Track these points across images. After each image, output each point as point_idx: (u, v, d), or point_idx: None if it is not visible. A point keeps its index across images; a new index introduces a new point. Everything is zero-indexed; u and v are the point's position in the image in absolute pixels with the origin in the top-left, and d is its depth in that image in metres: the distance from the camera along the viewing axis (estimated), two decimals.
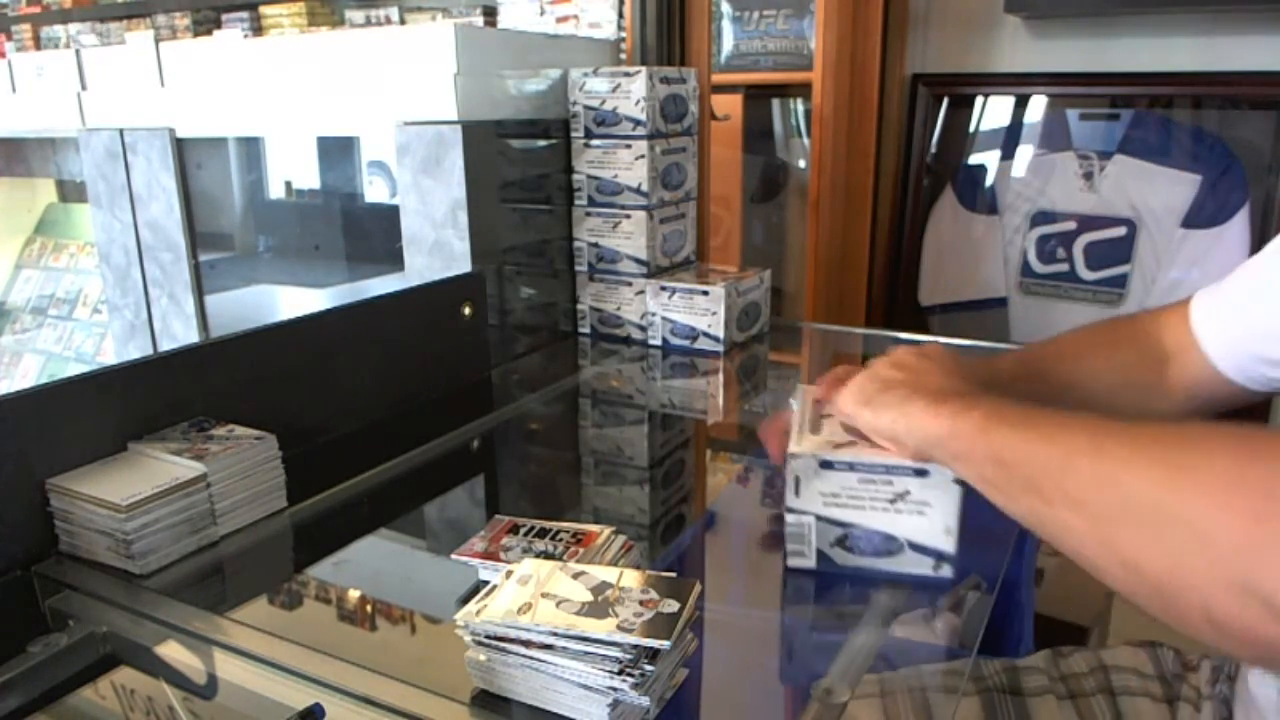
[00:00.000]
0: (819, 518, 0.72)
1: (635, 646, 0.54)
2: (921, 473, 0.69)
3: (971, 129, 2.15)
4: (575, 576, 0.61)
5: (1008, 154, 2.11)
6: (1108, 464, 0.51)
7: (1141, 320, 0.86)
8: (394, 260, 1.37)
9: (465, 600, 0.59)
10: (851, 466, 0.71)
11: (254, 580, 0.81)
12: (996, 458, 0.59)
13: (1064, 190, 2.03)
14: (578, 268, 1.46)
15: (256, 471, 0.84)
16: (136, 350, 1.81)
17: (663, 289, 1.38)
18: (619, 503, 0.97)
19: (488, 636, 0.57)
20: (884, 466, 0.70)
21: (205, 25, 3.14)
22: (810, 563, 0.74)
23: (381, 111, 1.32)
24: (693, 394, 1.32)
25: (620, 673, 0.53)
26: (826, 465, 0.71)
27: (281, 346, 0.99)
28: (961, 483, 0.69)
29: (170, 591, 0.74)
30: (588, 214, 1.42)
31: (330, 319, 1.06)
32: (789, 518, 0.73)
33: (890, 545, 0.72)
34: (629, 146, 1.35)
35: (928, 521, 0.70)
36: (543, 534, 0.74)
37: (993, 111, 2.13)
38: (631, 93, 1.33)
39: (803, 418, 0.79)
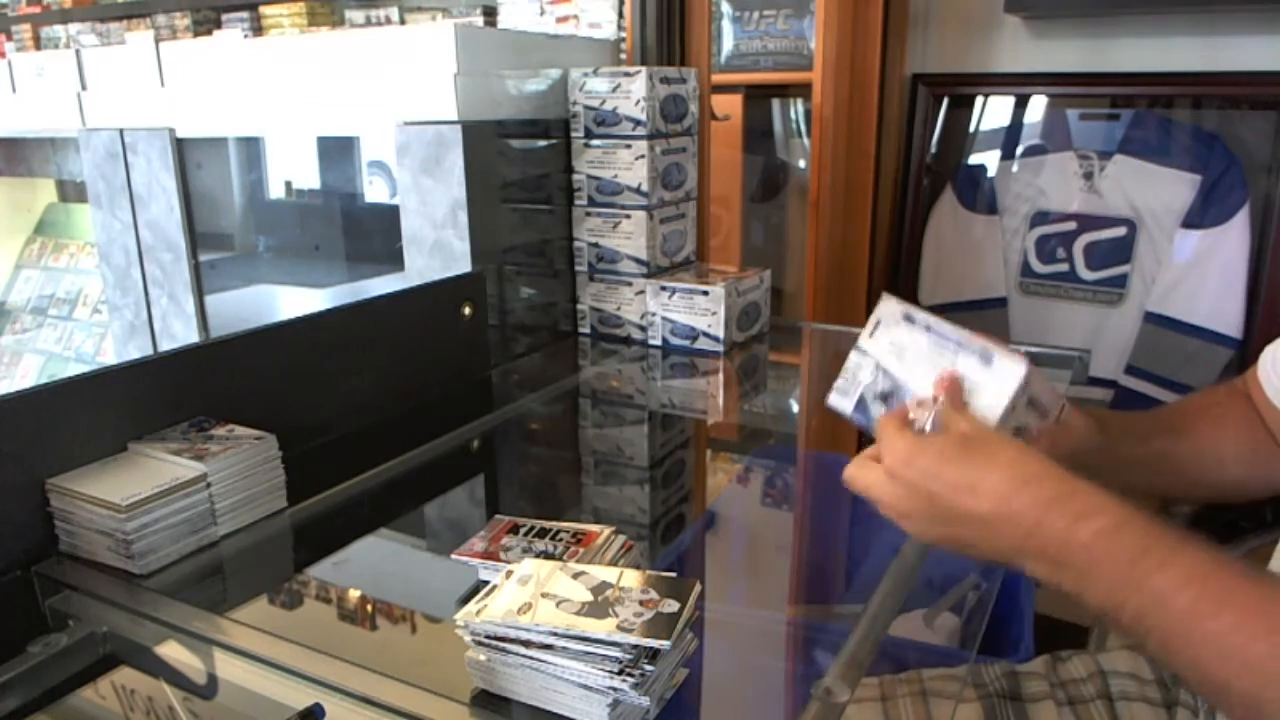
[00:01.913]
0: (879, 366, 0.71)
1: (635, 646, 0.54)
2: (987, 358, 0.67)
3: (971, 129, 2.15)
4: (575, 576, 0.61)
5: (1008, 154, 2.11)
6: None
7: (1236, 385, 0.84)
8: (394, 260, 1.37)
9: (465, 600, 0.59)
10: (929, 328, 0.69)
11: (254, 580, 0.81)
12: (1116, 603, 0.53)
13: (1064, 190, 2.03)
14: (578, 268, 1.46)
15: (256, 471, 0.84)
16: (136, 350, 1.81)
17: (663, 289, 1.38)
18: (619, 503, 0.97)
19: (488, 636, 0.57)
20: (956, 341, 0.67)
21: (205, 25, 3.14)
22: (849, 405, 0.71)
23: (381, 111, 1.32)
24: (693, 394, 1.32)
25: (620, 673, 0.53)
26: (909, 319, 0.70)
27: (281, 346, 0.99)
28: (1025, 386, 0.65)
29: (170, 591, 0.74)
30: (588, 214, 1.42)
31: (330, 319, 1.06)
32: (853, 355, 0.72)
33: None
34: (629, 146, 1.35)
35: (973, 403, 0.67)
36: (543, 534, 0.74)
37: (993, 111, 2.13)
38: (631, 93, 1.33)
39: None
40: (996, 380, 0.66)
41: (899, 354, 0.70)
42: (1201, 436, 0.82)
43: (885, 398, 0.70)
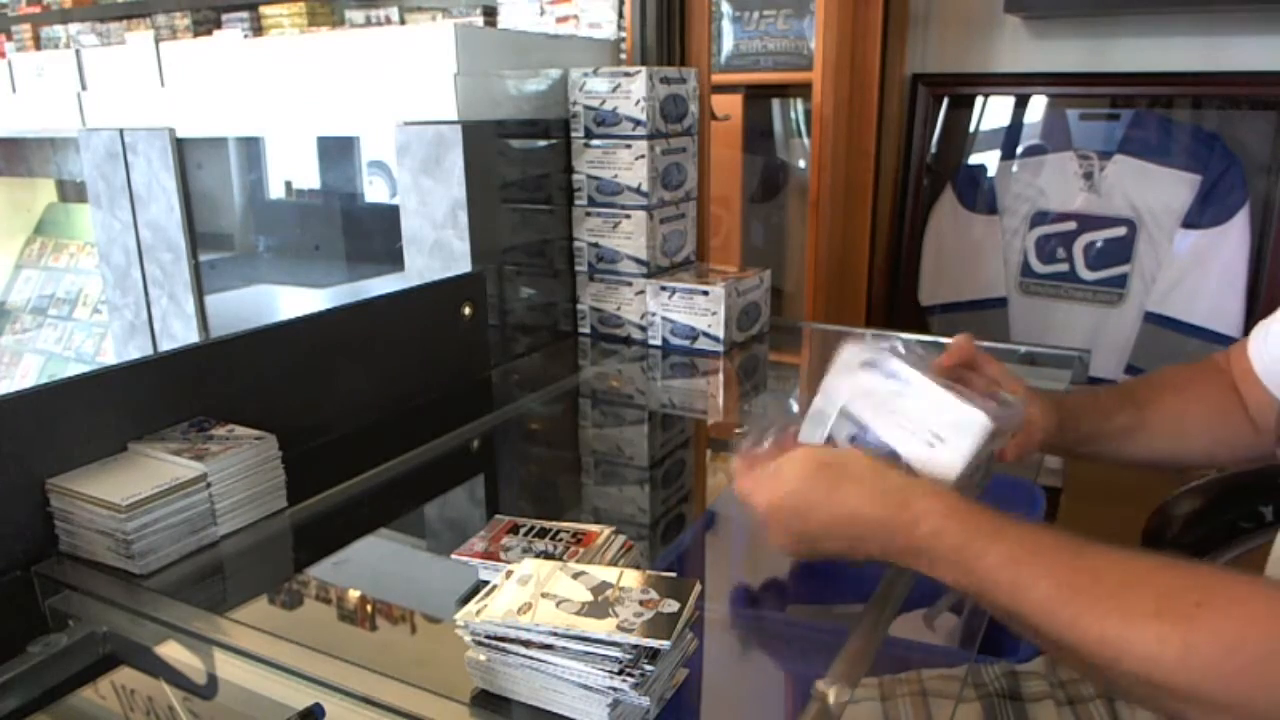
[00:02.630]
0: (844, 410, 0.72)
1: (635, 646, 0.54)
2: (948, 408, 0.69)
3: (971, 129, 2.15)
4: (575, 576, 0.61)
5: (1008, 154, 2.11)
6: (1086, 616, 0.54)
7: (1214, 359, 0.87)
8: (394, 260, 1.37)
9: (465, 600, 0.59)
10: (891, 375, 0.71)
11: (254, 580, 0.81)
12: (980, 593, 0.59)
13: (1064, 190, 2.03)
14: (578, 268, 1.46)
15: (256, 471, 0.84)
16: (136, 350, 1.81)
17: (663, 289, 1.37)
18: (619, 503, 0.97)
19: (488, 636, 0.57)
20: (918, 389, 0.69)
21: (205, 25, 3.14)
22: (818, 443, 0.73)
23: (381, 111, 1.32)
24: (693, 394, 1.32)
25: (620, 673, 0.53)
26: (869, 365, 0.72)
27: (281, 346, 0.99)
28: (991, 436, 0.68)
29: (170, 591, 0.74)
30: (588, 214, 1.42)
31: (330, 319, 1.06)
32: (818, 399, 0.73)
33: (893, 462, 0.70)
34: (629, 146, 1.35)
35: (936, 455, 0.69)
36: (543, 534, 0.74)
37: (993, 111, 2.13)
38: (631, 93, 1.33)
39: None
40: (956, 429, 0.68)
41: (863, 398, 0.72)
42: (1164, 409, 0.85)
43: (852, 440, 0.72)
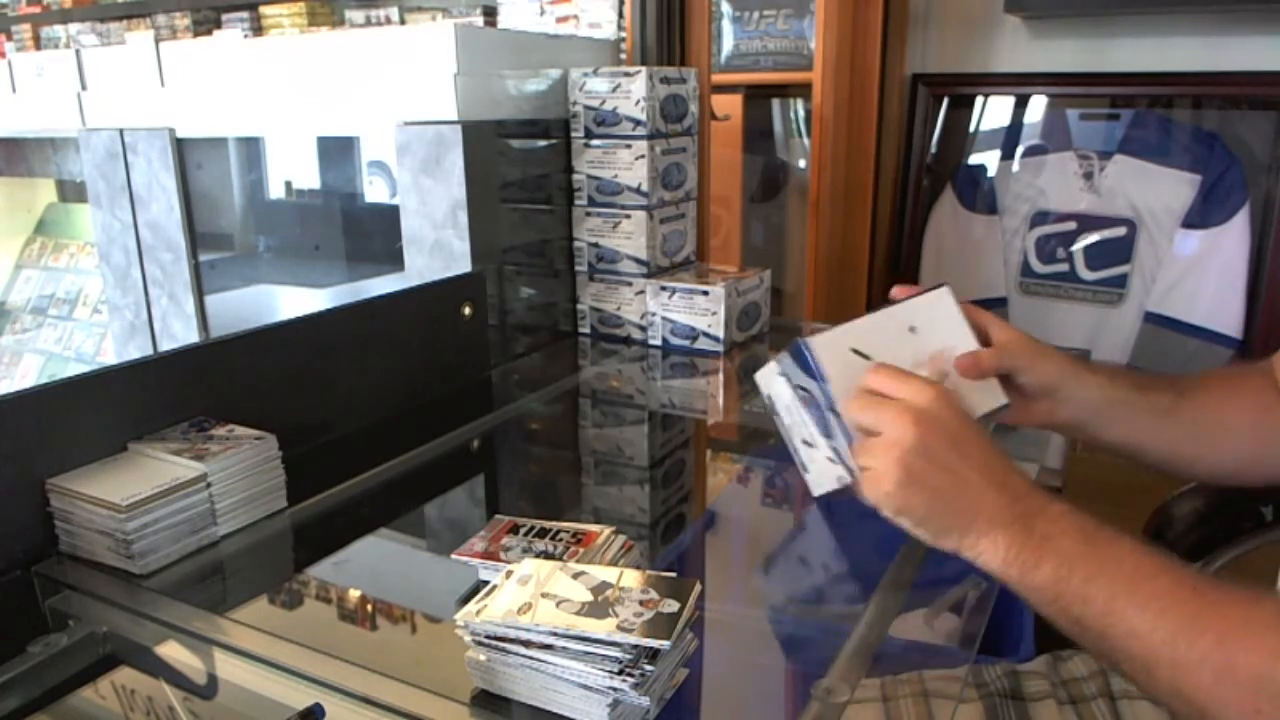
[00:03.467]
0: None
1: (635, 646, 0.54)
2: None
3: (971, 129, 2.15)
4: (575, 576, 0.61)
5: (1008, 154, 2.11)
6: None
7: (1260, 364, 0.81)
8: (394, 260, 1.37)
9: (465, 600, 0.59)
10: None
11: (254, 580, 0.81)
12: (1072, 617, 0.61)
13: (1064, 190, 2.03)
14: (578, 268, 1.46)
15: (256, 471, 0.84)
16: (136, 350, 1.81)
17: (663, 289, 1.37)
18: (619, 503, 0.97)
19: (488, 636, 0.57)
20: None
21: (205, 25, 3.14)
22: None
23: (381, 111, 1.32)
24: (693, 394, 1.32)
25: (620, 673, 0.53)
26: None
27: (281, 346, 0.99)
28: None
29: (170, 591, 0.74)
30: (588, 214, 1.42)
31: (330, 319, 1.06)
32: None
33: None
34: (629, 146, 1.35)
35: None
36: (543, 534, 0.74)
37: (993, 111, 2.13)
38: (631, 93, 1.33)
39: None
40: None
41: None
42: (1212, 396, 0.78)
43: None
